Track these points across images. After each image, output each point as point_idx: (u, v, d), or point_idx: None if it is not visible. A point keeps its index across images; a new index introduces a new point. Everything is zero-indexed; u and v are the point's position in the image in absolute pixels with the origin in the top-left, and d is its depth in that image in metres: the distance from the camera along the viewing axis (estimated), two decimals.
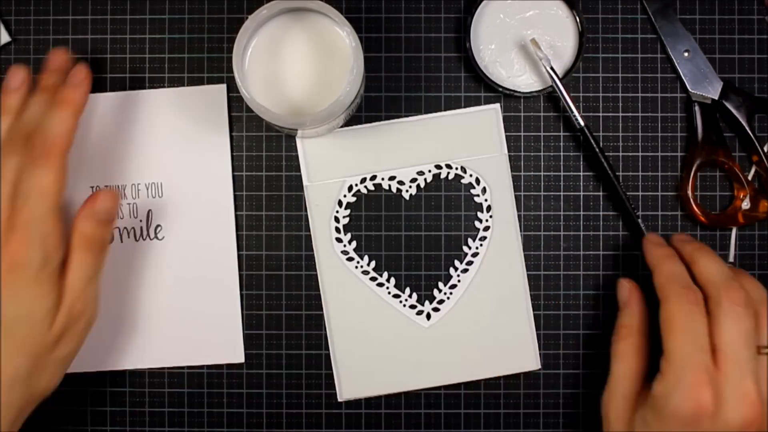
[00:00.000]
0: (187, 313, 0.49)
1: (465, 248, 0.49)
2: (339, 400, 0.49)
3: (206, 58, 0.49)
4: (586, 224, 0.50)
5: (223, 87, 0.49)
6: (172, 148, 0.49)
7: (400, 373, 0.49)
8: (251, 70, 0.44)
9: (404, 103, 0.49)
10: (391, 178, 0.49)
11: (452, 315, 0.49)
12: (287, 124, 0.42)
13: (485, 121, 0.49)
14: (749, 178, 0.49)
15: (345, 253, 0.49)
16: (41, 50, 0.49)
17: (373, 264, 0.49)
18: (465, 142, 0.49)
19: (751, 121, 0.49)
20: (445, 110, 0.49)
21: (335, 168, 0.49)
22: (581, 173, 0.50)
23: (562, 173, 0.50)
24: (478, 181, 0.49)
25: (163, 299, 0.49)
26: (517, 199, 0.50)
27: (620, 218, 0.49)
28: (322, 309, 0.49)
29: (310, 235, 0.49)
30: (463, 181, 0.49)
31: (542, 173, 0.50)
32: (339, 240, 0.49)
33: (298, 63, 0.44)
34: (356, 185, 0.49)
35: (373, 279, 0.49)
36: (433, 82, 0.49)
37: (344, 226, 0.49)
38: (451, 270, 0.49)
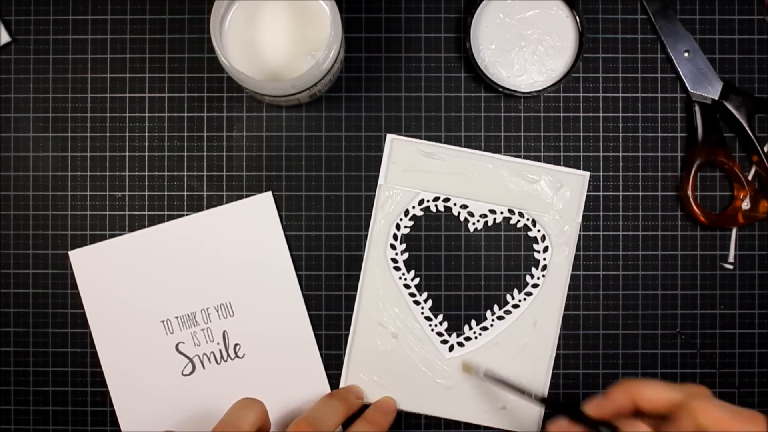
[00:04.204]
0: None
1: (508, 297, 0.49)
2: None
3: (206, 59, 0.49)
4: (587, 224, 0.50)
5: (269, 194, 0.49)
6: (233, 266, 0.49)
7: (407, 392, 0.49)
8: (229, 40, 0.44)
9: (404, 103, 0.49)
10: (463, 207, 0.49)
11: (474, 355, 0.49)
12: (268, 91, 0.43)
13: (571, 184, 0.49)
14: (749, 178, 0.49)
15: (394, 260, 0.49)
16: (41, 50, 0.49)
17: (416, 281, 0.49)
18: (544, 197, 0.49)
19: (751, 121, 0.49)
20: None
21: (413, 177, 0.49)
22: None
23: None
24: (543, 238, 0.49)
25: None
26: None
27: (620, 218, 0.50)
28: (351, 310, 0.49)
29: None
30: (529, 233, 0.49)
31: None
32: (393, 247, 0.49)
33: (276, 30, 0.44)
34: (428, 201, 0.49)
35: (411, 294, 0.49)
36: (433, 82, 0.49)
37: (403, 235, 0.49)
38: (488, 312, 0.49)
